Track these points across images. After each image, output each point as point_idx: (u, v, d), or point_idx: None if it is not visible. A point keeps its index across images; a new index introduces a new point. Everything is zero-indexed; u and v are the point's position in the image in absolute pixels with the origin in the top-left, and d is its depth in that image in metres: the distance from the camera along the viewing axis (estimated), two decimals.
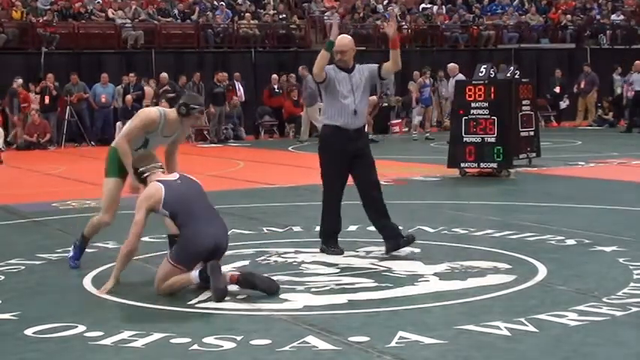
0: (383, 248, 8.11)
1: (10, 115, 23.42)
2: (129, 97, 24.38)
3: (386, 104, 27.09)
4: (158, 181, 6.61)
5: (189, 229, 6.43)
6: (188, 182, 6.68)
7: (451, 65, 21.90)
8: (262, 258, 7.88)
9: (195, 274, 6.42)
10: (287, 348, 5.18)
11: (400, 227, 8.15)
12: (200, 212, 6.51)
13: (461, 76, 20.62)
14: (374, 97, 24.49)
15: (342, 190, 8.07)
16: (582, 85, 28.18)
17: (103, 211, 7.62)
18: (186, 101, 7.34)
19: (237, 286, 6.43)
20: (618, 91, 28.09)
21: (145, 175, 6.75)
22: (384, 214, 8.07)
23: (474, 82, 14.64)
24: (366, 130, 8.36)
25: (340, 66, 8.00)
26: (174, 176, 6.75)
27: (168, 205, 6.47)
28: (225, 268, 7.46)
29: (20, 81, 23.49)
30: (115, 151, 7.40)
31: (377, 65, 8.18)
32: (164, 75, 24.83)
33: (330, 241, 8.09)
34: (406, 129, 27.14)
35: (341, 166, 7.95)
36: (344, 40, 8.05)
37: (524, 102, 15.16)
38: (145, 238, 9.08)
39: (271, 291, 6.39)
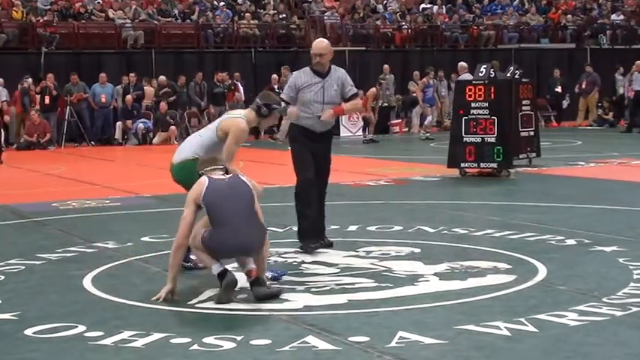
0: (383, 248, 8.12)
1: (21, 113, 23.33)
2: (129, 97, 24.38)
3: (386, 104, 27.11)
4: (207, 176, 6.63)
5: (216, 228, 6.44)
6: (235, 183, 6.62)
7: (461, 64, 21.62)
8: None
9: (216, 267, 6.42)
10: (287, 348, 5.18)
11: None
12: (233, 213, 6.46)
13: (467, 76, 20.46)
14: (373, 89, 24.51)
15: (315, 178, 8.11)
16: (584, 85, 28.18)
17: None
18: (267, 101, 7.33)
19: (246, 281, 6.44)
20: (620, 90, 28.09)
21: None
22: (321, 212, 8.33)
23: (474, 82, 14.64)
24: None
25: (316, 69, 8.08)
26: (226, 175, 6.73)
27: (206, 200, 6.48)
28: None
29: (30, 80, 23.56)
30: (184, 165, 7.26)
31: (349, 84, 8.24)
32: (162, 78, 24.88)
33: (308, 239, 8.11)
34: (406, 129, 27.15)
35: (310, 151, 8.07)
36: (322, 44, 8.13)
37: (524, 102, 15.17)
38: (145, 238, 9.11)
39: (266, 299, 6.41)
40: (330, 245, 8.25)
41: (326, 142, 8.32)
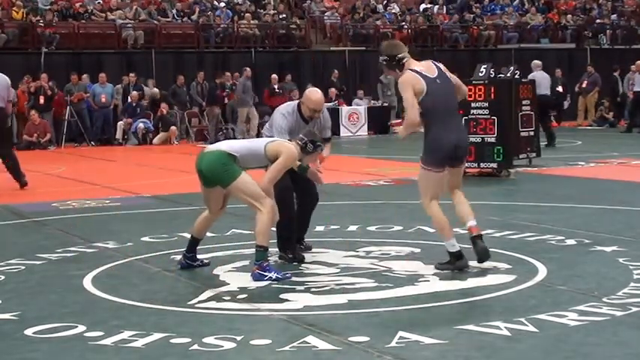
0: (383, 248, 8.12)
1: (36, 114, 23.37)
2: (135, 93, 24.34)
3: (386, 104, 27.13)
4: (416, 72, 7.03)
5: (432, 131, 6.98)
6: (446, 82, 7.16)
7: (535, 62, 21.30)
8: None
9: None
10: (287, 348, 5.18)
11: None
12: (445, 115, 7.06)
13: (542, 74, 20.16)
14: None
15: (303, 198, 8.00)
16: (584, 85, 28.18)
17: (261, 202, 7.02)
18: (313, 139, 7.31)
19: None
20: (621, 90, 28.08)
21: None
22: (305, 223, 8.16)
23: (474, 82, 14.63)
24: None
25: (305, 117, 7.90)
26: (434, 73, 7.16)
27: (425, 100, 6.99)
28: (224, 268, 7.50)
29: (25, 79, 23.65)
30: (218, 154, 7.11)
31: (329, 128, 8.23)
32: (155, 90, 25.04)
33: (286, 245, 7.89)
34: None
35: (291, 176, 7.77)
36: (322, 99, 7.97)
37: (524, 102, 15.16)
38: (145, 238, 9.11)
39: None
40: (308, 249, 8.13)
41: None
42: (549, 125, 20.96)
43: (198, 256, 7.56)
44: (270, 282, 6.88)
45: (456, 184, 7.50)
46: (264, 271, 6.97)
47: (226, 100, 25.21)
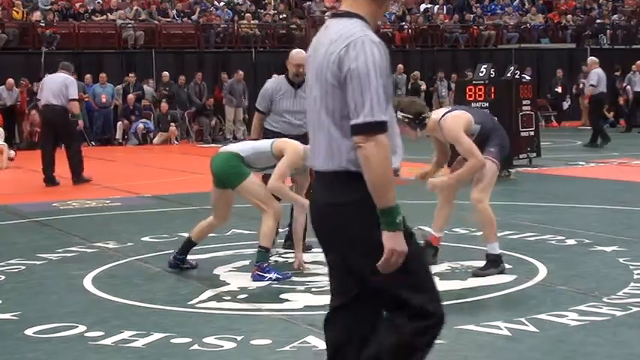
0: None
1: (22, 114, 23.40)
2: (130, 95, 24.35)
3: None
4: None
5: (499, 131, 7.20)
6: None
7: (591, 59, 21.18)
8: None
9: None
10: (287, 348, 5.18)
11: None
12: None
13: (599, 72, 20.07)
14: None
15: None
16: (582, 85, 28.13)
17: (268, 204, 7.14)
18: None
19: None
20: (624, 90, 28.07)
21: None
22: None
23: (474, 82, 14.64)
24: None
25: (291, 80, 8.29)
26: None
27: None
28: (225, 268, 7.50)
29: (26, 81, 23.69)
30: (228, 156, 7.21)
31: None
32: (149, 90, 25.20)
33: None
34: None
35: None
36: (302, 54, 8.18)
37: (524, 102, 15.16)
38: (145, 238, 9.10)
39: None
40: (308, 249, 8.14)
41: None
42: (601, 125, 20.93)
43: (190, 257, 7.55)
44: (270, 282, 6.88)
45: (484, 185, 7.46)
46: (264, 272, 6.99)
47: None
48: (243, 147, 7.39)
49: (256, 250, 7.12)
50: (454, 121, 7.02)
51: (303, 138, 8.62)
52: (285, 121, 8.32)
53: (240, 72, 24.96)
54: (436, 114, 7.18)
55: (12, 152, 18.83)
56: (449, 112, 7.20)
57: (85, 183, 14.28)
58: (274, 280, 6.92)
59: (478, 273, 7.06)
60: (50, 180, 14.25)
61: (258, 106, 8.51)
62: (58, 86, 14.26)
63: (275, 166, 7.22)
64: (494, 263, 7.05)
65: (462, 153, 7.10)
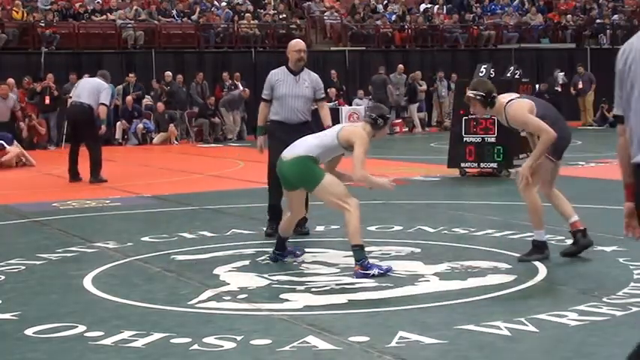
0: (383, 248, 8.12)
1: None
2: (129, 97, 24.37)
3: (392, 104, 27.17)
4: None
5: (557, 125, 7.24)
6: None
7: None
8: (262, 258, 7.89)
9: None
10: (287, 348, 5.18)
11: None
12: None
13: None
14: None
15: None
16: (580, 86, 28.16)
17: (347, 202, 7.16)
18: (381, 112, 7.40)
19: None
20: None
21: None
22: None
23: None
24: None
25: (292, 68, 8.79)
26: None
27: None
28: (224, 268, 7.51)
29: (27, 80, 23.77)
30: (298, 160, 7.22)
31: (321, 88, 9.06)
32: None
33: (272, 217, 8.66)
34: (406, 129, 27.18)
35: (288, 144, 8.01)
36: (303, 42, 8.98)
37: None
38: (145, 238, 9.10)
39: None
40: (306, 234, 8.80)
41: (304, 132, 8.27)
42: None
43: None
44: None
45: (554, 179, 7.71)
46: (367, 270, 7.01)
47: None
48: (308, 147, 7.29)
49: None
50: (519, 106, 7.33)
51: (304, 126, 8.70)
52: (285, 106, 8.71)
53: (246, 90, 25.34)
54: (503, 97, 7.46)
55: (32, 159, 18.79)
56: (515, 98, 7.47)
57: (101, 183, 14.51)
58: (377, 275, 6.95)
59: (523, 259, 7.39)
60: (74, 176, 14.82)
61: (263, 95, 8.96)
62: (92, 88, 14.90)
63: (339, 154, 7.36)
64: (538, 249, 7.41)
65: (533, 132, 7.51)
